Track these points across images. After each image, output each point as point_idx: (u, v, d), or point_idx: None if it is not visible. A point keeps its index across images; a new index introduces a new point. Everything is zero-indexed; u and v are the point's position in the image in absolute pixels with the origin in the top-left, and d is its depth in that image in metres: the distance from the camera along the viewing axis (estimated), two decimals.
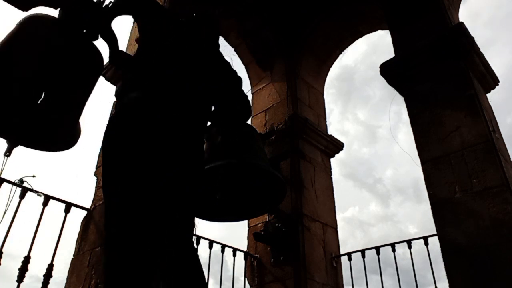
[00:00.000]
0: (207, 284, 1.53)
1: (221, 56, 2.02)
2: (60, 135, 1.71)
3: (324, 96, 5.57)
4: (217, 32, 2.14)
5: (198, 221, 2.03)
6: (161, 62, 1.77)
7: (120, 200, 1.48)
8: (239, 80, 2.01)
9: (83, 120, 1.79)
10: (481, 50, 3.44)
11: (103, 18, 1.80)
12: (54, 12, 1.72)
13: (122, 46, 4.45)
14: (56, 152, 1.79)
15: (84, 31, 1.73)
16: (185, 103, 1.68)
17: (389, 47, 3.90)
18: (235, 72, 2.02)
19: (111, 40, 1.84)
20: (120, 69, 2.93)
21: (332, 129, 28.88)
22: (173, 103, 1.64)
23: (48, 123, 1.64)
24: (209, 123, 2.00)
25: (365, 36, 5.36)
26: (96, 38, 1.78)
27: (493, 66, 3.55)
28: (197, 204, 1.67)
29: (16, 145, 1.60)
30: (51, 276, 2.57)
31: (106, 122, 1.69)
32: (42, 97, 1.54)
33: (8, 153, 1.57)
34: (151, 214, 1.47)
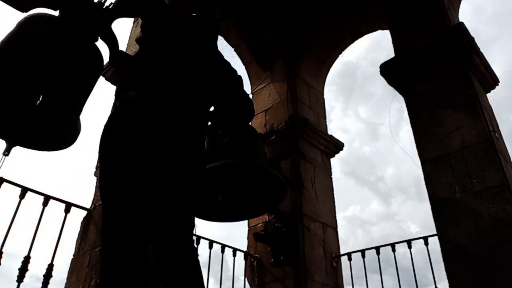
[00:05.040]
0: (203, 284, 1.52)
1: (221, 56, 2.02)
2: (58, 135, 1.71)
3: (325, 93, 5.60)
4: (217, 31, 2.14)
5: (198, 221, 2.03)
6: (161, 63, 1.77)
7: (117, 200, 1.49)
8: (239, 79, 1.99)
9: (83, 120, 1.80)
10: (485, 46, 3.48)
11: (103, 19, 1.80)
12: (53, 14, 1.72)
13: (123, 46, 4.45)
14: (55, 152, 1.80)
15: (84, 31, 1.73)
16: (183, 103, 1.68)
17: (391, 44, 3.89)
18: (235, 72, 2.01)
19: (111, 41, 1.84)
20: (120, 69, 2.94)
21: (333, 127, 28.78)
22: (172, 103, 1.64)
23: (46, 123, 1.64)
24: (209, 123, 1.99)
25: None
26: (96, 39, 1.78)
27: (497, 62, 3.58)
28: (196, 204, 1.66)
29: (15, 145, 1.60)
30: (51, 276, 2.57)
31: (105, 121, 1.70)
32: (41, 97, 1.54)
33: (6, 152, 1.57)
34: (147, 214, 1.47)
